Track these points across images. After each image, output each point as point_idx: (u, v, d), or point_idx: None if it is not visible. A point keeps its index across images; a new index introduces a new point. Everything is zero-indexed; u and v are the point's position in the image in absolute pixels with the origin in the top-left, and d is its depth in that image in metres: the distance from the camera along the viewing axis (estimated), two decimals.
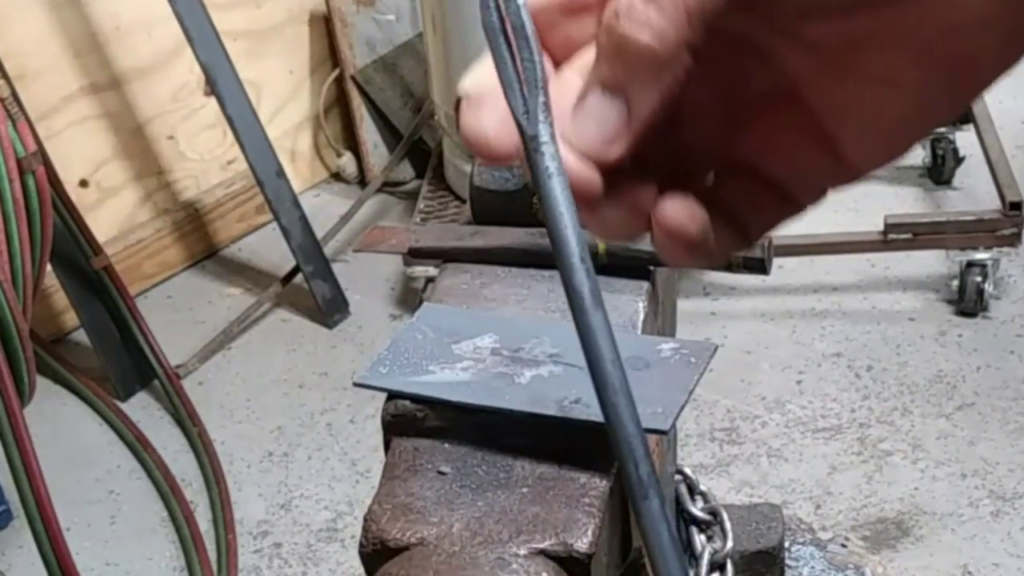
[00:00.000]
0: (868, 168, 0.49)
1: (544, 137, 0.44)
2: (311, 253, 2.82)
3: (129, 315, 2.54)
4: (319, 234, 2.88)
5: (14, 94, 2.02)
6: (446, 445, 0.72)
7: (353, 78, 3.29)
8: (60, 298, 2.70)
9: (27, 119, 2.04)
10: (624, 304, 0.84)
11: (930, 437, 2.33)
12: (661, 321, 0.93)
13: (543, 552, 0.64)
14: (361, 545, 0.67)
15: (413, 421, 0.73)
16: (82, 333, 2.69)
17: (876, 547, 2.09)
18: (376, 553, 0.66)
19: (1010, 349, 2.55)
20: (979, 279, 2.59)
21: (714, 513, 1.05)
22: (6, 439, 1.82)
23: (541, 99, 0.44)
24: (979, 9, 0.42)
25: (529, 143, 0.44)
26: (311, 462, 2.43)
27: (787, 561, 1.13)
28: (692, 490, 1.06)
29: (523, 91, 0.45)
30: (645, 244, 0.86)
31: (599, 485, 0.68)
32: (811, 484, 2.25)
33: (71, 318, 2.76)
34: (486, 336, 0.78)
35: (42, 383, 2.41)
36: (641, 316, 0.83)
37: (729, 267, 0.86)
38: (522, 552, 0.64)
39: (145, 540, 2.28)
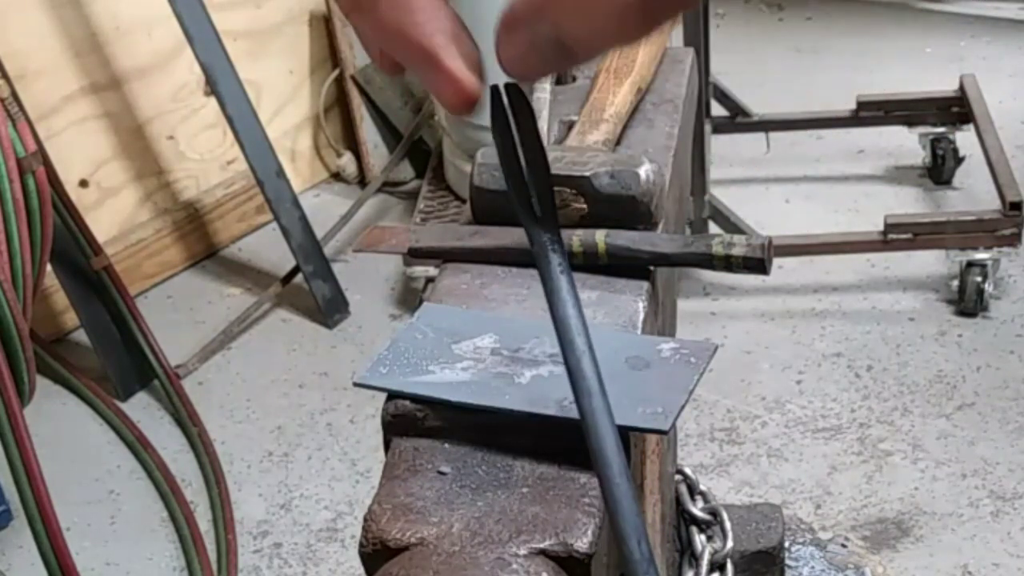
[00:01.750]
0: None
1: (557, 237, 0.45)
2: (311, 253, 2.82)
3: (129, 315, 2.54)
4: (319, 234, 2.88)
5: (14, 94, 2.02)
6: (446, 445, 0.72)
7: (353, 78, 3.29)
8: (60, 298, 2.70)
9: (27, 119, 2.03)
10: (624, 304, 0.84)
11: (930, 437, 2.33)
12: (661, 321, 0.93)
13: (543, 552, 0.64)
14: (361, 545, 0.67)
15: (413, 421, 0.73)
16: (82, 333, 2.69)
17: (876, 547, 2.09)
18: (376, 553, 0.66)
19: (1010, 349, 2.55)
20: (979, 279, 2.59)
21: (714, 513, 1.05)
22: (6, 439, 1.82)
23: (554, 206, 0.46)
24: None
25: (546, 244, 0.45)
26: (311, 462, 2.43)
27: (787, 561, 1.13)
28: (692, 490, 1.07)
29: (534, 197, 0.46)
30: (645, 244, 0.86)
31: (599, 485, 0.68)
32: (811, 484, 2.25)
33: (71, 318, 2.76)
34: (486, 336, 0.78)
35: (42, 383, 2.41)
36: (641, 316, 0.83)
37: (729, 267, 0.85)
38: (522, 552, 0.64)
39: (145, 540, 2.28)
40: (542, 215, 0.46)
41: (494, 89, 0.48)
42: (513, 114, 0.48)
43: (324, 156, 3.45)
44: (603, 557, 0.68)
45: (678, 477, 1.07)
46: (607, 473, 0.47)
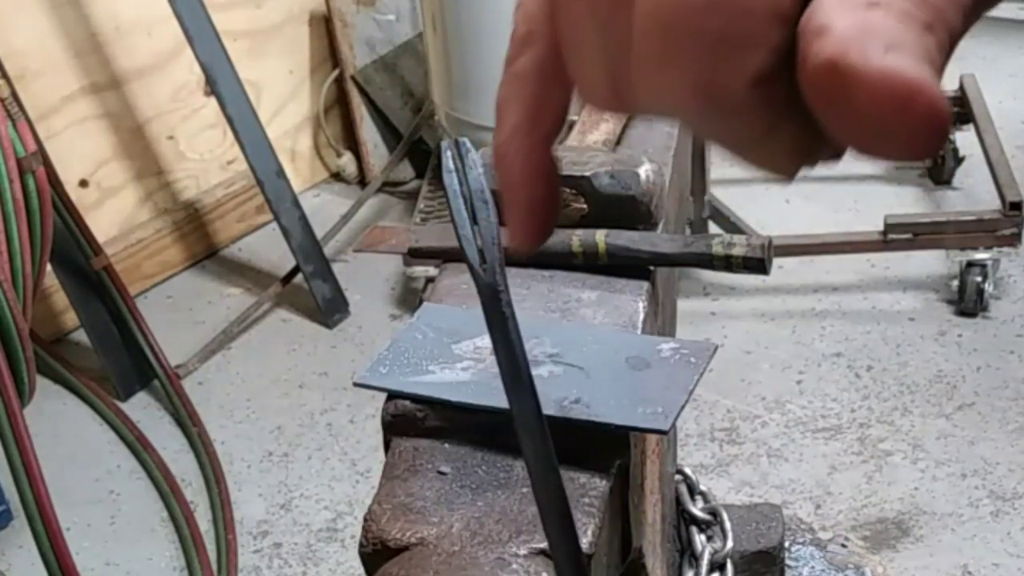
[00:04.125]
0: None
1: (502, 287, 0.47)
2: (311, 253, 2.82)
3: (129, 315, 2.54)
4: (319, 234, 2.88)
5: (14, 94, 2.02)
6: (446, 445, 0.72)
7: (353, 78, 3.29)
8: (60, 298, 2.70)
9: (27, 119, 2.04)
10: (624, 304, 0.84)
11: (930, 437, 2.33)
12: (661, 321, 0.93)
13: (543, 552, 0.64)
14: (361, 545, 0.67)
15: (413, 421, 0.73)
16: (82, 333, 2.69)
17: (876, 547, 2.09)
18: (376, 553, 0.66)
19: (1010, 349, 2.55)
20: (979, 279, 2.59)
21: (714, 513, 1.05)
22: (6, 439, 1.82)
23: (499, 255, 0.48)
24: None
25: (489, 292, 0.48)
26: (311, 462, 2.43)
27: (787, 561, 1.13)
28: (692, 490, 1.07)
29: (480, 247, 0.48)
30: (645, 244, 0.86)
31: (599, 485, 0.68)
32: (811, 484, 2.25)
33: (71, 318, 2.76)
34: (486, 336, 0.78)
35: (42, 383, 2.41)
36: (641, 316, 0.83)
37: (729, 267, 0.85)
38: (522, 552, 0.64)
39: (145, 540, 2.28)
40: (490, 263, 0.48)
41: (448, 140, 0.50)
42: (463, 166, 0.50)
43: (324, 156, 3.45)
44: (603, 557, 0.68)
45: (678, 477, 1.07)
46: (548, 529, 0.50)
